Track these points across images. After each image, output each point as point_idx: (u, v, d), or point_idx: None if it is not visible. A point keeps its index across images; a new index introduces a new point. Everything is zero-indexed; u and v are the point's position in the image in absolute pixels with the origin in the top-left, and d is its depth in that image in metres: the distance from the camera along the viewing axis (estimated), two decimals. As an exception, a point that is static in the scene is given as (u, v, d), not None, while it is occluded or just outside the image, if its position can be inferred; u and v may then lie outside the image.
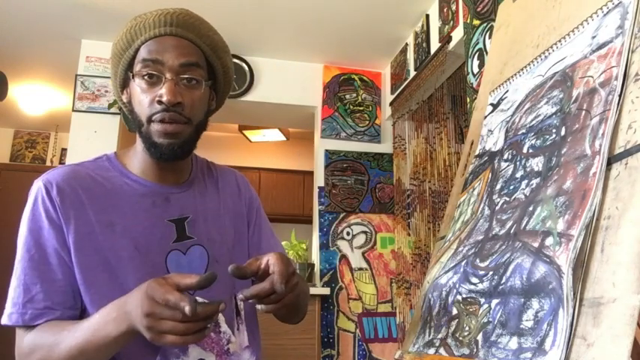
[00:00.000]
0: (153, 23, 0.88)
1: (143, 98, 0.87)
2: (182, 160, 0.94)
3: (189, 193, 0.97)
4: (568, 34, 1.02)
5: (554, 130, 0.95)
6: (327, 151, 3.38)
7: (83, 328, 0.77)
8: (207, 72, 0.93)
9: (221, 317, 0.92)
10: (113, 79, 0.95)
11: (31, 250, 0.84)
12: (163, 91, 0.85)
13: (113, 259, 0.85)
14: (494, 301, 0.89)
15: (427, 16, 2.84)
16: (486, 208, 1.08)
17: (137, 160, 0.94)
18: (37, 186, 0.88)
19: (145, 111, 0.87)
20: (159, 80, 0.86)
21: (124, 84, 0.93)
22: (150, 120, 0.87)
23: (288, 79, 3.44)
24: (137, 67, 0.88)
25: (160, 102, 0.85)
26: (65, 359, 0.77)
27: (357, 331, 3.11)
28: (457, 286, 1.04)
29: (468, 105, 2.25)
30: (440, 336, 1.02)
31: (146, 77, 0.86)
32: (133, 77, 0.88)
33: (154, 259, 0.88)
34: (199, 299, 0.74)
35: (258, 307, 0.80)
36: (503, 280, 0.88)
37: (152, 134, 0.87)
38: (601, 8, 0.94)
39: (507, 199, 1.01)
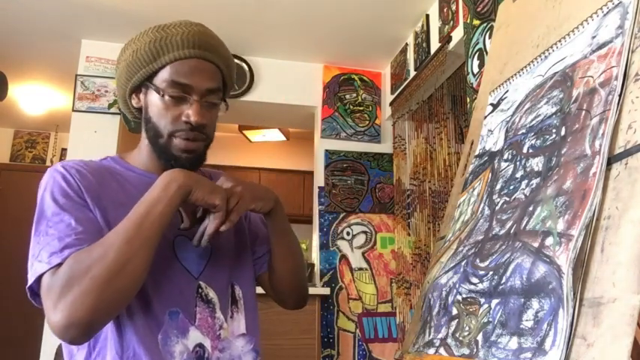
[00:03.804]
0: (180, 42, 0.93)
1: (166, 114, 0.93)
2: (194, 170, 1.00)
3: None
4: (568, 34, 1.02)
5: (554, 130, 0.95)
6: (327, 151, 3.38)
7: (127, 218, 0.81)
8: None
9: (217, 304, 0.96)
10: (124, 81, 0.98)
11: (60, 212, 0.84)
12: (191, 112, 0.92)
13: None
14: (494, 301, 0.89)
15: (427, 16, 2.84)
16: (486, 208, 1.08)
17: (141, 158, 1.00)
18: (54, 168, 0.91)
19: (168, 126, 0.93)
20: (184, 100, 0.93)
21: (137, 90, 0.98)
22: (172, 135, 0.93)
23: (288, 79, 3.44)
24: (163, 84, 0.93)
25: (186, 122, 0.92)
26: (120, 248, 0.78)
27: (357, 331, 3.11)
28: (457, 286, 1.04)
29: (468, 105, 2.25)
30: (440, 336, 1.02)
31: (174, 98, 0.92)
32: (158, 92, 0.93)
33: (162, 240, 0.91)
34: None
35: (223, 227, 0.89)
36: (503, 280, 0.88)
37: (172, 148, 0.94)
38: (601, 8, 0.94)
39: (507, 199, 1.01)
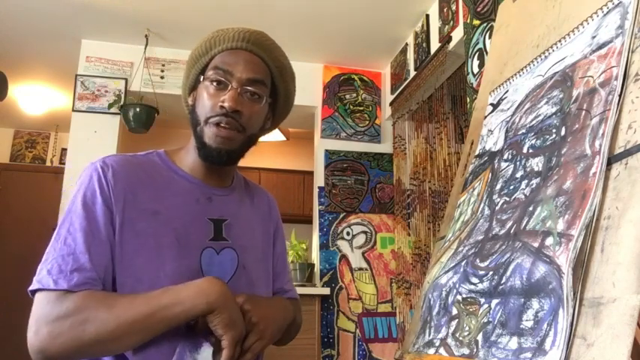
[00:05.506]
0: (232, 37, 0.97)
1: (207, 100, 0.94)
2: (227, 166, 1.00)
3: (230, 197, 1.03)
4: (568, 34, 1.02)
5: (554, 130, 0.95)
6: (327, 151, 3.38)
7: (147, 300, 0.82)
8: (270, 92, 1.01)
9: None
10: (185, 81, 1.04)
11: (83, 223, 0.85)
12: (226, 97, 0.92)
13: (154, 246, 0.88)
14: (494, 301, 0.89)
15: (427, 16, 2.84)
16: (486, 208, 1.08)
17: (188, 157, 1.00)
18: (94, 166, 0.92)
19: (205, 112, 0.94)
20: (225, 87, 0.94)
21: (193, 87, 1.01)
22: (207, 121, 0.94)
23: (288, 79, 3.44)
24: (209, 72, 0.96)
25: (221, 107, 0.92)
26: (120, 325, 0.79)
27: (357, 331, 3.11)
28: (457, 286, 1.04)
29: (468, 105, 2.25)
30: (440, 336, 1.02)
31: (214, 83, 0.94)
32: (203, 80, 0.97)
33: (191, 251, 0.92)
34: None
35: None
36: (504, 280, 0.88)
37: (205, 134, 0.94)
38: (601, 8, 0.94)
39: (507, 199, 1.01)
